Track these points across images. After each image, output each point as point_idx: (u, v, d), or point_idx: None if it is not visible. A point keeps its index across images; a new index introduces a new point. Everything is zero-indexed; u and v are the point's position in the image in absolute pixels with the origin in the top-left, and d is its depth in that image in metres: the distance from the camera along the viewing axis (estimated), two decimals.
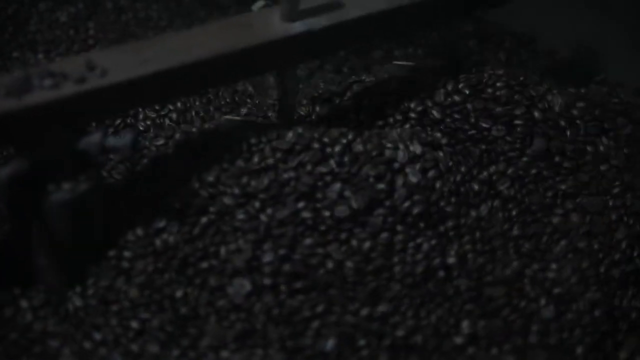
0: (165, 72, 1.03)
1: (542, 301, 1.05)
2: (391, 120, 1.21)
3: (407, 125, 1.19)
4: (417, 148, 1.11)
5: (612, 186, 1.14)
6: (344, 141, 1.11)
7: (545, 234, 1.11)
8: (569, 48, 1.57)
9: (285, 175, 1.08)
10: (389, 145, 1.11)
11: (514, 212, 1.13)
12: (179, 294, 1.03)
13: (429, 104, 1.21)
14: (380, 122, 1.21)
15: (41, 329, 1.03)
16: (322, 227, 1.06)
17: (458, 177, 1.11)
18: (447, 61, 1.30)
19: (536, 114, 1.19)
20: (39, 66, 1.05)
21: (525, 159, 1.17)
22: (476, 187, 1.12)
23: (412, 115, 1.21)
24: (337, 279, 1.04)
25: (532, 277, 1.07)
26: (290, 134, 1.11)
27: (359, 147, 1.11)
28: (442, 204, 1.09)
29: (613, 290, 1.06)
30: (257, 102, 1.37)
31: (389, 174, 1.09)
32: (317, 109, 1.26)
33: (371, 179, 1.08)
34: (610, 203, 1.13)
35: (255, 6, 1.13)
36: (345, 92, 1.27)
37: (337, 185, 1.08)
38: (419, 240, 1.07)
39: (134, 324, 1.01)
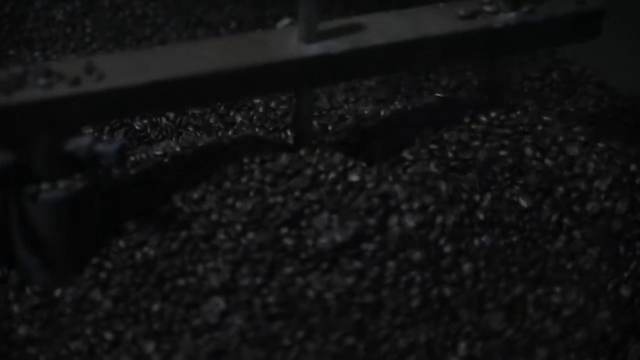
0: (163, 82, 1.02)
1: (548, 322, 1.03)
2: (406, 153, 1.16)
3: (420, 162, 1.15)
4: (417, 189, 1.08)
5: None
6: (340, 169, 1.08)
7: (549, 259, 1.09)
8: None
9: (272, 200, 1.06)
10: (389, 178, 1.09)
11: (514, 239, 1.10)
12: (155, 307, 1.02)
13: (448, 138, 1.17)
14: (394, 156, 1.17)
15: (26, 334, 1.02)
16: (303, 256, 1.03)
17: (462, 207, 1.08)
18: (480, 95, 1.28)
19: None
20: (38, 64, 1.03)
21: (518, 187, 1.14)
22: (481, 216, 1.09)
23: (431, 147, 1.16)
24: (318, 308, 1.01)
25: (535, 301, 1.05)
26: (284, 157, 1.09)
27: (354, 177, 1.08)
28: (441, 242, 1.06)
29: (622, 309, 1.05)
30: (276, 118, 1.35)
31: (382, 208, 1.06)
32: (332, 133, 1.24)
33: (362, 212, 1.05)
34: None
35: (280, 24, 1.10)
36: (365, 120, 1.25)
37: (325, 215, 1.05)
38: (412, 274, 1.03)
39: (108, 335, 1.00)
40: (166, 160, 1.13)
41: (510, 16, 1.18)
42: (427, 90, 1.46)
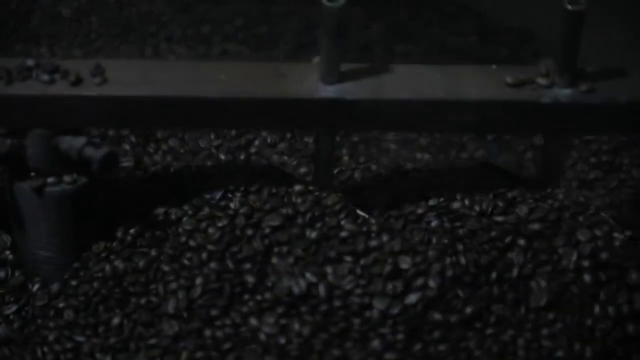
0: (166, 98, 0.99)
1: None
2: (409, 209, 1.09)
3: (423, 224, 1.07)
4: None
5: None
6: (317, 213, 1.03)
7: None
8: None
9: (238, 232, 1.02)
10: (373, 228, 1.02)
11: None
12: (115, 321, 1.01)
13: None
14: (398, 210, 1.09)
15: (6, 334, 1.04)
16: (260, 297, 1.00)
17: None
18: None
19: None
20: (47, 60, 1.04)
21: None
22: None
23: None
24: (274, 349, 0.98)
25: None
26: (265, 190, 1.05)
27: (333, 221, 1.03)
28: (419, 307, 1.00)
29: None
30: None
31: (351, 257, 1.01)
32: (347, 181, 1.18)
33: (329, 267, 1.00)
34: None
35: (316, 59, 1.03)
36: (388, 171, 1.19)
37: (290, 260, 1.01)
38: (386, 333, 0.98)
39: (69, 345, 1.01)
40: (162, 173, 1.13)
41: (563, 93, 1.06)
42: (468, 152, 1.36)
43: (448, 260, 1.00)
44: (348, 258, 1.00)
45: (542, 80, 1.06)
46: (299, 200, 1.04)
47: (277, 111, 1.02)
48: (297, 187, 1.06)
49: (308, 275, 0.99)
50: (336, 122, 1.04)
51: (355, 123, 1.06)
